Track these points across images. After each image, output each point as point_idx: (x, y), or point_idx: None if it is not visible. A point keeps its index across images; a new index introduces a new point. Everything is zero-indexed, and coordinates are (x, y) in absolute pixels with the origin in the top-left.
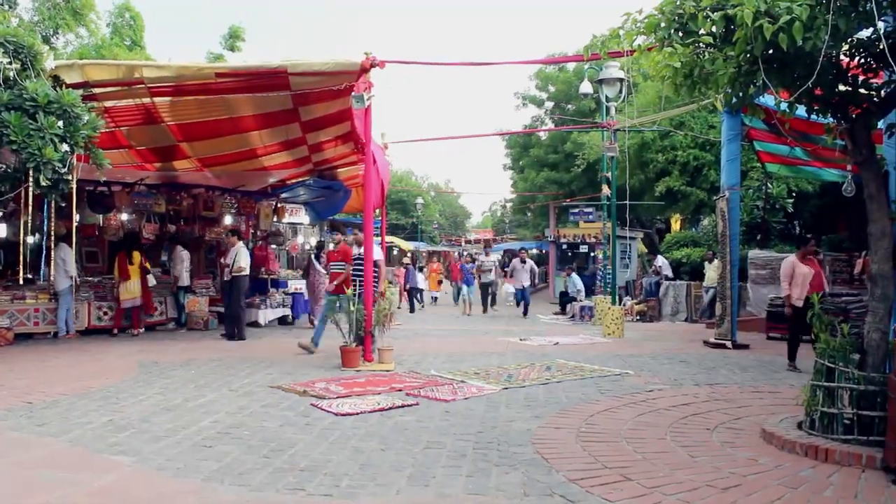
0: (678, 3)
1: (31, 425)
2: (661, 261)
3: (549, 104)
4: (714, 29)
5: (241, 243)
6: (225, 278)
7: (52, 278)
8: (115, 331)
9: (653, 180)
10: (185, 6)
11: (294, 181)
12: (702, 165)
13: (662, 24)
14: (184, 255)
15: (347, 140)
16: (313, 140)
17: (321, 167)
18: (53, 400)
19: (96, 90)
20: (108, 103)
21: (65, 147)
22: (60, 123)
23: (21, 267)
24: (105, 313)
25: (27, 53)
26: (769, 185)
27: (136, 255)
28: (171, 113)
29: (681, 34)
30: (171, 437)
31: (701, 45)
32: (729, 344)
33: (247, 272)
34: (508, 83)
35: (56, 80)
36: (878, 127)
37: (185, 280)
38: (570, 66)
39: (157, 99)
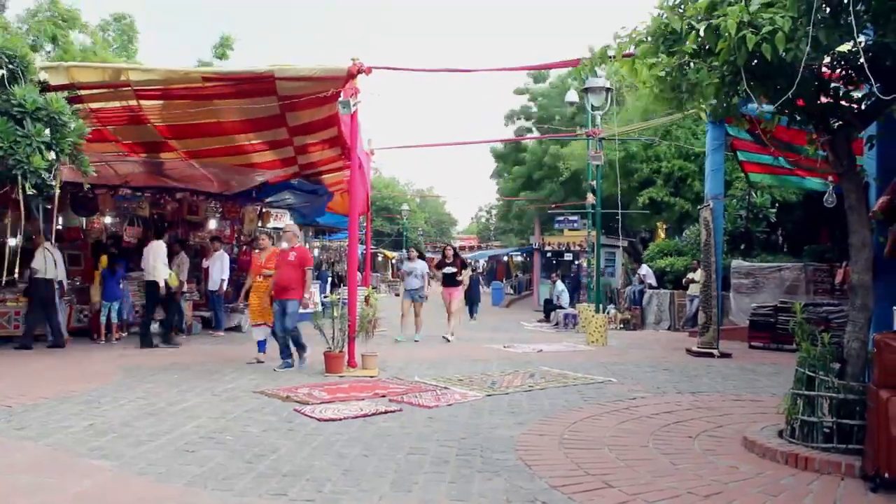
0: (665, 19)
1: (9, 429)
2: (644, 269)
3: (536, 114)
4: (699, 40)
5: (46, 243)
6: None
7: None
8: (95, 335)
9: (636, 189)
10: (178, 18)
11: (279, 182)
12: (686, 176)
13: (649, 39)
14: (184, 258)
15: (334, 145)
16: (300, 143)
17: (307, 171)
18: (33, 403)
19: (82, 92)
20: (95, 105)
21: (52, 155)
22: (47, 131)
23: (6, 268)
24: (86, 316)
25: (19, 63)
26: (752, 194)
27: (103, 259)
28: (158, 116)
29: (667, 44)
30: (153, 441)
31: (686, 55)
32: (716, 353)
33: (46, 275)
34: (495, 91)
35: (42, 85)
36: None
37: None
38: (556, 78)
39: (143, 102)
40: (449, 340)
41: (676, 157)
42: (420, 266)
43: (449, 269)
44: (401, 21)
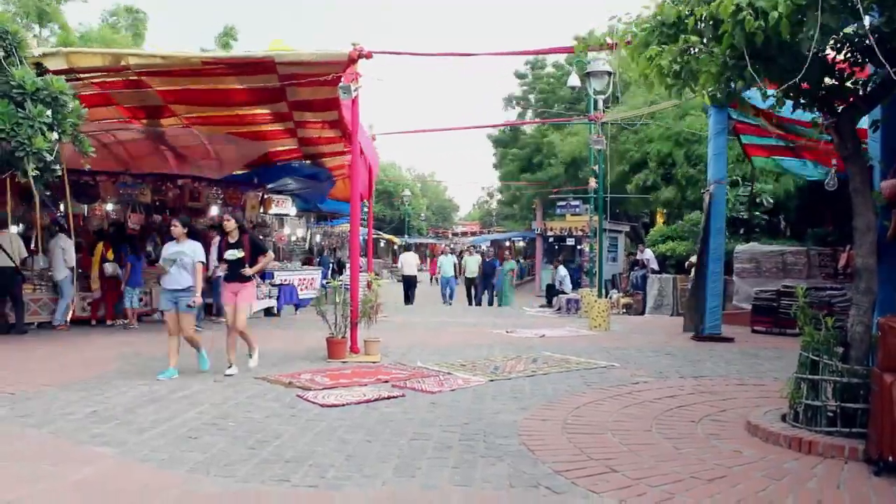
0: (668, 7)
1: (12, 416)
2: (647, 254)
3: (535, 100)
4: (701, 25)
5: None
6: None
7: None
8: (94, 321)
9: (628, 174)
10: (174, 14)
11: (281, 162)
12: (674, 161)
13: (650, 25)
14: None
15: (335, 126)
16: (299, 118)
17: (307, 145)
18: (36, 391)
19: (83, 75)
20: (97, 80)
21: (54, 135)
22: (49, 112)
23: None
24: (89, 304)
25: (11, 40)
26: (754, 182)
27: (99, 247)
28: (160, 83)
29: (668, 31)
30: (156, 428)
31: (690, 43)
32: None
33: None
34: (496, 78)
35: (39, 68)
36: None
37: None
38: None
39: (144, 77)
40: (235, 368)
41: (665, 139)
42: (191, 250)
43: (232, 254)
44: (401, 21)
